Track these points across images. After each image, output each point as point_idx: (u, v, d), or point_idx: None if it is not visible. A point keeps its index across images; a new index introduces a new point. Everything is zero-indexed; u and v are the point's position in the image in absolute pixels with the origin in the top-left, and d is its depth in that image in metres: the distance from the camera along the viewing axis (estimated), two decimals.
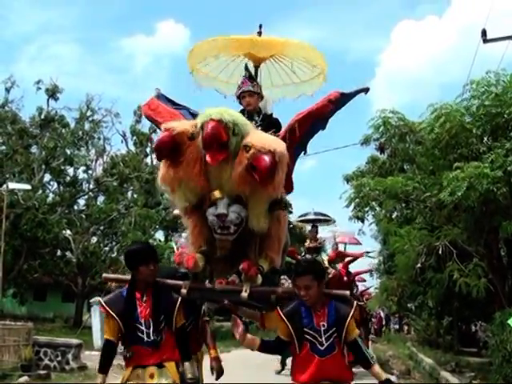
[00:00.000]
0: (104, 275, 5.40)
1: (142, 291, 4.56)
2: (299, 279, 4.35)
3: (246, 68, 5.57)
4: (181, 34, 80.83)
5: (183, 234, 5.36)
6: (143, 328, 4.46)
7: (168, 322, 4.53)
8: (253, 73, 5.57)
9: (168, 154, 4.47)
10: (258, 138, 4.45)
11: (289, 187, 5.00)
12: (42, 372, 12.48)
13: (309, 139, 5.22)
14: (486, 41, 13.90)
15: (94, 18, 73.19)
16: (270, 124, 5.26)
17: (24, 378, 11.53)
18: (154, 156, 29.67)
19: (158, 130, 5.20)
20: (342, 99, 5.07)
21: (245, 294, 4.54)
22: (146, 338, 4.44)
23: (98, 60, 69.81)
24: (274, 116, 5.53)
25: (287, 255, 6.05)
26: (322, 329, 4.30)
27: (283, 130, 5.05)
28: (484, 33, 13.89)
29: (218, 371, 5.63)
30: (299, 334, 4.31)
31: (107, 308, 4.53)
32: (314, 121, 5.03)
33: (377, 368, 4.34)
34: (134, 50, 71.42)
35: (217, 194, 4.51)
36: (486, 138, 11.30)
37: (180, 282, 4.73)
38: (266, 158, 4.23)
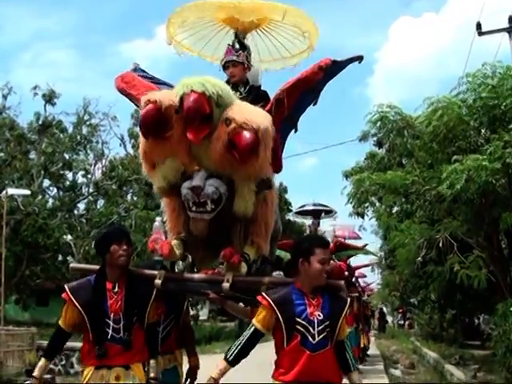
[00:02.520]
0: (71, 265, 4.90)
1: (114, 281, 4.07)
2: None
3: (236, 35, 5.12)
4: None
5: (157, 218, 4.77)
6: (111, 323, 3.98)
7: (140, 317, 4.07)
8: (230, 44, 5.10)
9: (155, 130, 3.98)
10: (240, 110, 4.00)
11: (276, 166, 4.47)
12: (46, 376, 12.45)
13: (299, 113, 4.67)
14: (481, 33, 13.95)
15: (91, 24, 73.58)
16: (257, 97, 4.79)
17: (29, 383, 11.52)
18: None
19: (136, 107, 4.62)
20: (333, 67, 4.53)
21: (226, 285, 4.06)
22: (114, 335, 3.97)
23: (95, 65, 70.20)
24: (262, 88, 5.06)
25: (284, 249, 5.67)
26: (316, 320, 3.77)
27: (270, 102, 4.50)
28: (479, 26, 13.95)
29: (193, 380, 5.00)
30: (290, 325, 3.75)
31: (70, 296, 4.05)
32: (304, 91, 4.47)
33: (355, 376, 3.93)
34: (133, 54, 71.73)
35: (193, 166, 4.09)
36: (483, 131, 11.29)
37: (155, 272, 4.23)
38: (247, 135, 3.81)
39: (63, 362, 13.37)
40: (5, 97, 27.88)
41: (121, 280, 4.09)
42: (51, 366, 13.14)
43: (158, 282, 4.14)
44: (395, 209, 16.07)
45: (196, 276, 4.34)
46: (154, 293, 4.15)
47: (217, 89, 3.91)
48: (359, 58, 4.69)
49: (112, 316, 3.99)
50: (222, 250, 4.08)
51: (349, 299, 4.21)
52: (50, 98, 27.97)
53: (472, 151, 10.67)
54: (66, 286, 4.14)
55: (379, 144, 13.63)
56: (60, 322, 4.12)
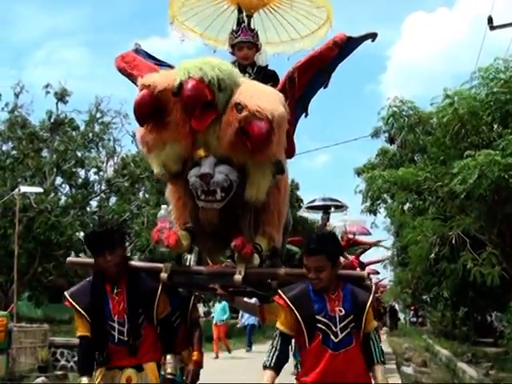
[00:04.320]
0: (68, 259, 4.57)
1: (113, 282, 3.83)
2: (310, 259, 3.50)
3: (246, 15, 4.79)
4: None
5: (163, 206, 4.48)
6: (117, 326, 3.76)
7: (148, 315, 3.83)
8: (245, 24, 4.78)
9: (151, 117, 3.69)
10: (251, 94, 3.70)
11: (290, 150, 4.17)
12: (59, 373, 12.56)
13: (310, 95, 4.39)
14: (492, 28, 13.79)
15: (104, 21, 73.59)
16: (265, 77, 4.48)
17: (41, 379, 11.59)
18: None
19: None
20: (348, 44, 4.22)
21: (239, 277, 3.75)
22: (120, 337, 3.76)
23: (108, 63, 70.12)
24: (269, 68, 4.75)
25: (293, 244, 5.45)
26: (338, 315, 3.48)
27: (282, 80, 4.24)
28: (490, 20, 13.79)
29: (194, 378, 4.83)
30: (310, 323, 3.46)
31: (73, 302, 3.84)
32: (316, 70, 4.19)
33: (378, 369, 3.57)
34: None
35: (201, 152, 3.73)
36: (495, 125, 11.22)
37: (160, 265, 3.94)
38: (261, 126, 3.52)
39: (76, 359, 13.38)
40: (17, 95, 28.00)
41: (121, 279, 3.84)
42: (63, 362, 13.22)
43: (164, 275, 3.85)
44: (407, 206, 16.00)
45: (205, 269, 4.04)
46: (161, 287, 3.87)
47: (216, 72, 3.63)
48: (373, 36, 4.37)
49: (116, 319, 3.78)
50: (231, 241, 3.78)
51: (374, 286, 3.90)
52: (61, 96, 28.02)
53: (484, 146, 10.61)
54: (66, 294, 3.92)
55: (391, 140, 13.59)
56: (79, 333, 3.88)
